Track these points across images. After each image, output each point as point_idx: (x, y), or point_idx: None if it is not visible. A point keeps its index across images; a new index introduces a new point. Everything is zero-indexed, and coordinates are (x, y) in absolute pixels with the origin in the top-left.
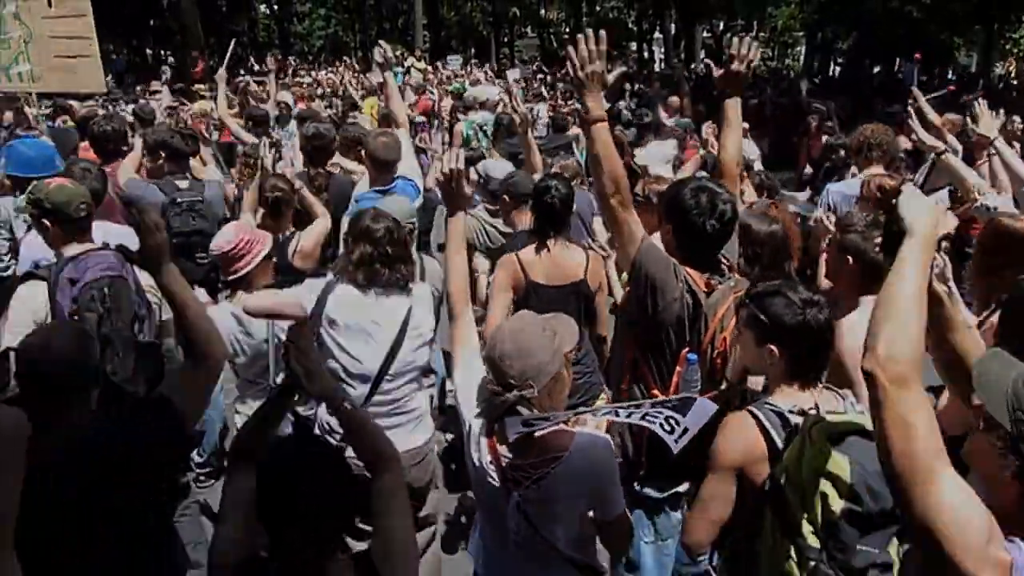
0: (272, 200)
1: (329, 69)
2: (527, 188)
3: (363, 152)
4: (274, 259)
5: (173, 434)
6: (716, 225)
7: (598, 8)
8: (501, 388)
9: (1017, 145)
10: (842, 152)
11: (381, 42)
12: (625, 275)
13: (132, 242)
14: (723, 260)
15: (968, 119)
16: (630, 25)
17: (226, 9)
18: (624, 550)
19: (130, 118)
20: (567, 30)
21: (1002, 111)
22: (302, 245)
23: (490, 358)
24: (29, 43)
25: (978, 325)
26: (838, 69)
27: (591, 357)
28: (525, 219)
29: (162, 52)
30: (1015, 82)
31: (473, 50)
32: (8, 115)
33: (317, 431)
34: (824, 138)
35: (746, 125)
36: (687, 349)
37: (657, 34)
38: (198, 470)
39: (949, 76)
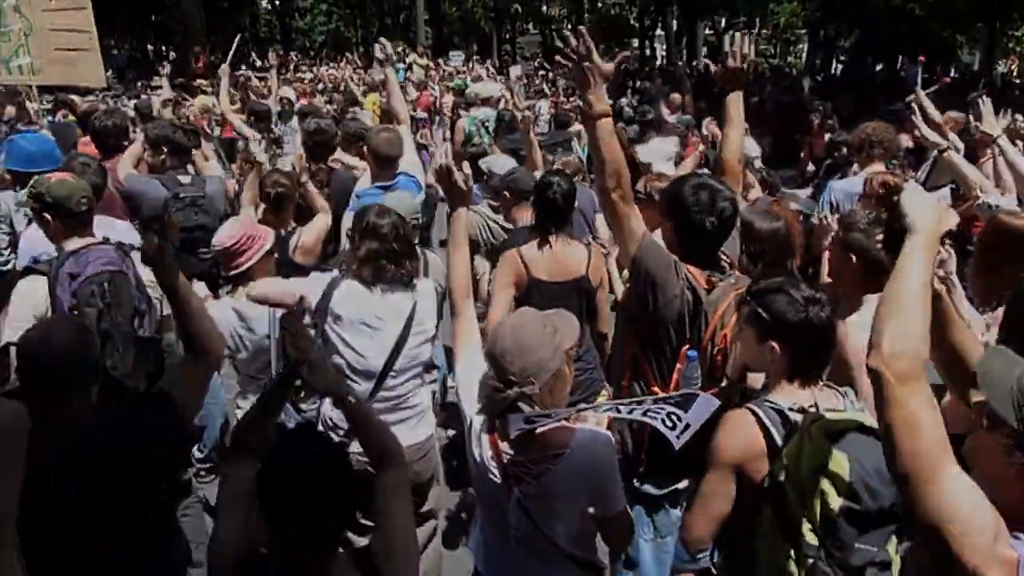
0: (274, 196)
1: (330, 65)
2: (527, 184)
3: (365, 148)
4: (275, 255)
5: (173, 429)
6: (715, 222)
7: (600, 4)
8: (502, 385)
9: (1020, 143)
10: (844, 149)
11: (382, 39)
12: (626, 272)
13: (132, 237)
14: (724, 257)
15: (971, 117)
16: (632, 22)
17: (228, 5)
18: (625, 546)
19: (131, 113)
20: (569, 26)
21: (1009, 112)
22: (303, 241)
23: (491, 354)
24: (29, 36)
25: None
26: (840, 67)
27: (592, 354)
28: (525, 215)
29: (163, 48)
30: (1017, 80)
31: (475, 46)
32: (10, 110)
33: (320, 427)
34: (827, 136)
35: (746, 125)
36: (687, 346)
37: (659, 31)
38: (199, 465)
39: (951, 74)
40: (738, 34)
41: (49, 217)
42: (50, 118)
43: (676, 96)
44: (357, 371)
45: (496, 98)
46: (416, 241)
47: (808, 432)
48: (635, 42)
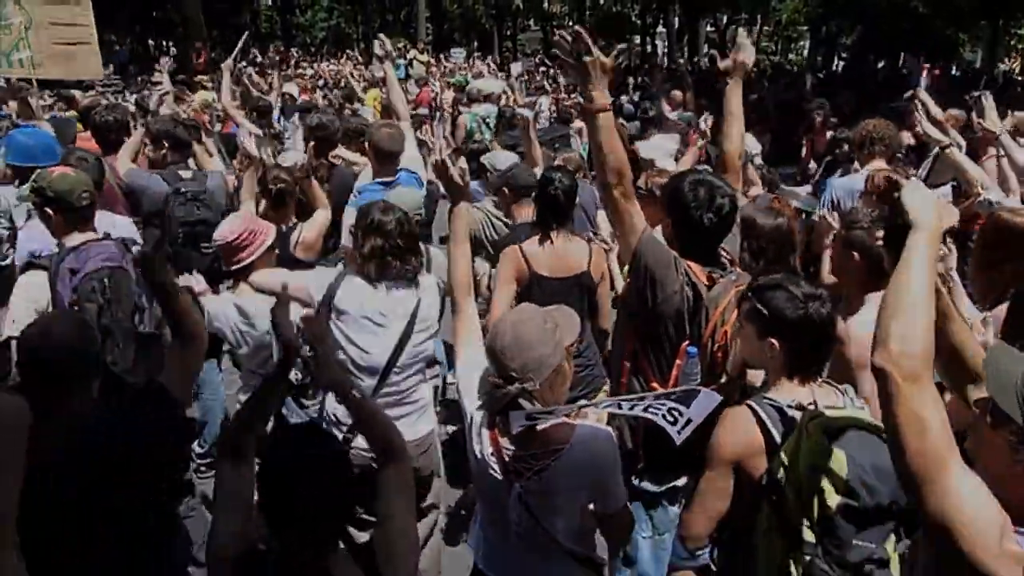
0: (275, 192)
1: (331, 61)
2: (526, 181)
3: (366, 144)
4: (276, 250)
5: (173, 427)
6: (714, 219)
7: (601, 1)
8: (502, 381)
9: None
10: (845, 147)
11: (381, 35)
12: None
13: (133, 233)
14: (724, 254)
15: (973, 114)
16: (633, 19)
17: (228, 1)
18: (625, 542)
19: (132, 108)
20: (570, 23)
21: (1015, 113)
22: (304, 237)
23: (491, 350)
24: (29, 29)
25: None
26: (842, 64)
27: (593, 350)
28: (524, 212)
29: (164, 43)
30: (1020, 78)
31: (476, 43)
32: (12, 104)
33: (324, 423)
34: (829, 133)
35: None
36: (687, 342)
37: (660, 28)
38: (199, 461)
39: (953, 72)
40: (742, 29)
41: (51, 212)
42: (53, 113)
43: (677, 93)
44: (361, 367)
45: (497, 94)
46: None
47: (806, 429)
48: (636, 39)
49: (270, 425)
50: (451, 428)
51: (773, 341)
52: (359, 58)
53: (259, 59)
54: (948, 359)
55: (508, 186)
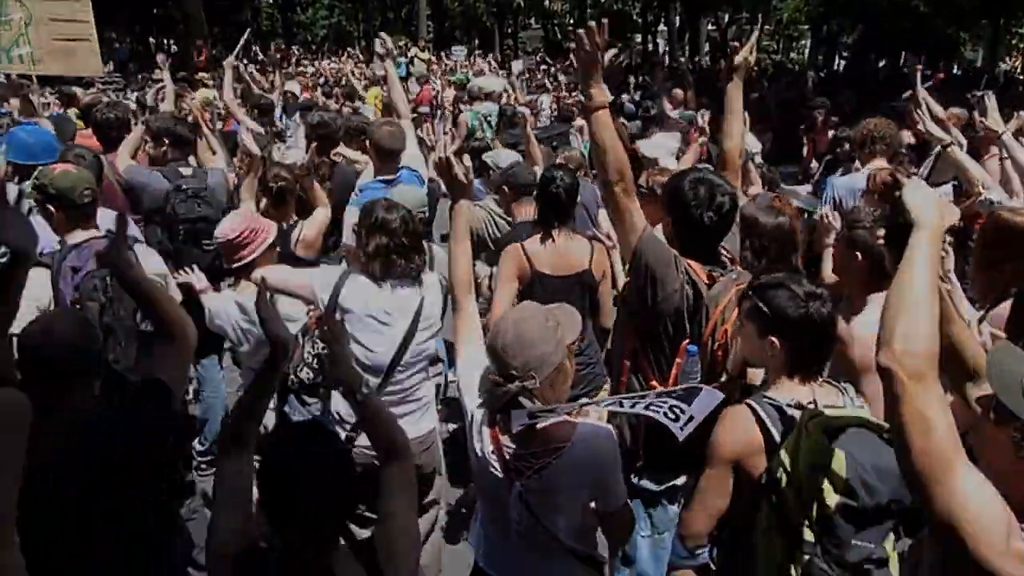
0: (276, 190)
1: (332, 59)
2: (527, 179)
3: (367, 142)
4: (278, 248)
5: (173, 422)
6: (714, 217)
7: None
8: (503, 379)
9: None
10: (847, 145)
11: (382, 33)
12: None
13: (132, 230)
14: (724, 252)
15: (975, 113)
16: (634, 17)
17: None
18: (626, 541)
19: (133, 106)
20: (571, 21)
21: (1021, 114)
22: (304, 235)
23: (492, 348)
24: (29, 25)
25: (980, 320)
26: (843, 63)
27: (594, 348)
28: (524, 211)
29: (165, 41)
30: (1021, 77)
31: (477, 41)
32: (13, 102)
33: (327, 421)
34: (830, 132)
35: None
36: (687, 341)
37: (661, 26)
38: (200, 458)
39: (954, 71)
40: (754, 31)
41: (53, 209)
42: (55, 111)
43: (679, 92)
44: (365, 366)
45: (498, 93)
46: None
47: (806, 428)
48: (638, 37)
49: (273, 423)
50: (452, 426)
51: (774, 340)
52: (360, 56)
53: (260, 57)
54: (947, 358)
55: (508, 184)
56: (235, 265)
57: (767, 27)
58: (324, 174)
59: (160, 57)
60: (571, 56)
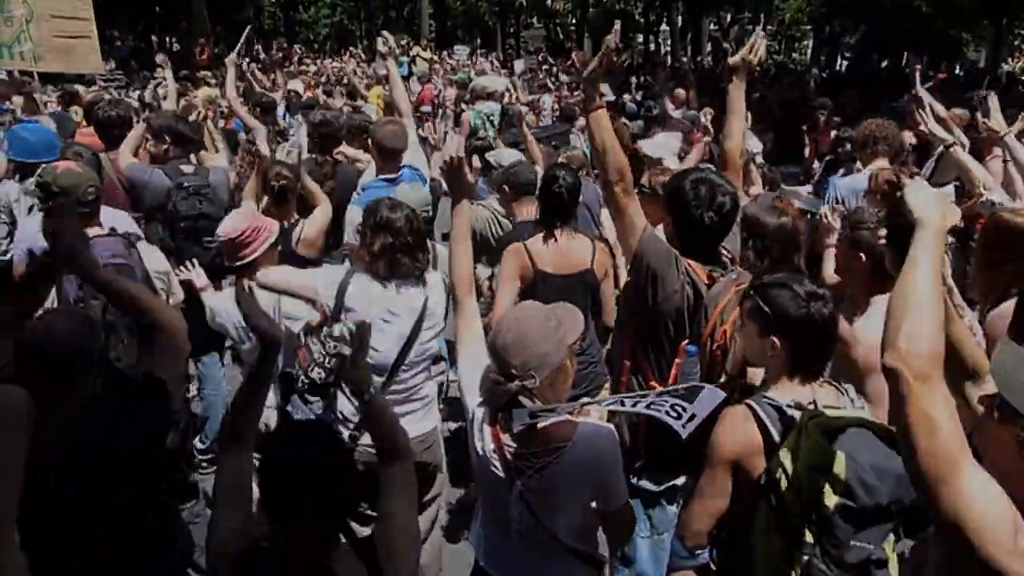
0: (277, 188)
1: (334, 58)
2: (527, 179)
3: (369, 140)
4: (279, 247)
5: (173, 419)
6: (715, 217)
7: None
8: (503, 378)
9: None
10: (848, 146)
11: (384, 32)
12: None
13: (132, 227)
14: (725, 252)
15: (978, 114)
16: (636, 17)
17: None
18: (626, 540)
19: (135, 104)
20: (573, 21)
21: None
22: (306, 233)
23: (493, 347)
24: (30, 22)
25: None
26: (845, 63)
27: (596, 347)
28: (524, 210)
29: (167, 39)
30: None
31: (479, 40)
32: (16, 99)
33: (330, 420)
34: (833, 133)
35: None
36: (686, 341)
37: (664, 26)
38: (201, 457)
39: (957, 72)
40: (760, 31)
41: None
42: (55, 108)
43: (681, 91)
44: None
45: (500, 92)
46: None
47: (805, 429)
48: (639, 37)
49: (274, 422)
50: (453, 425)
51: (775, 340)
52: (362, 55)
53: (262, 56)
54: (947, 358)
55: (509, 184)
56: (237, 264)
57: (769, 27)
58: (327, 172)
59: (160, 57)
60: (573, 55)
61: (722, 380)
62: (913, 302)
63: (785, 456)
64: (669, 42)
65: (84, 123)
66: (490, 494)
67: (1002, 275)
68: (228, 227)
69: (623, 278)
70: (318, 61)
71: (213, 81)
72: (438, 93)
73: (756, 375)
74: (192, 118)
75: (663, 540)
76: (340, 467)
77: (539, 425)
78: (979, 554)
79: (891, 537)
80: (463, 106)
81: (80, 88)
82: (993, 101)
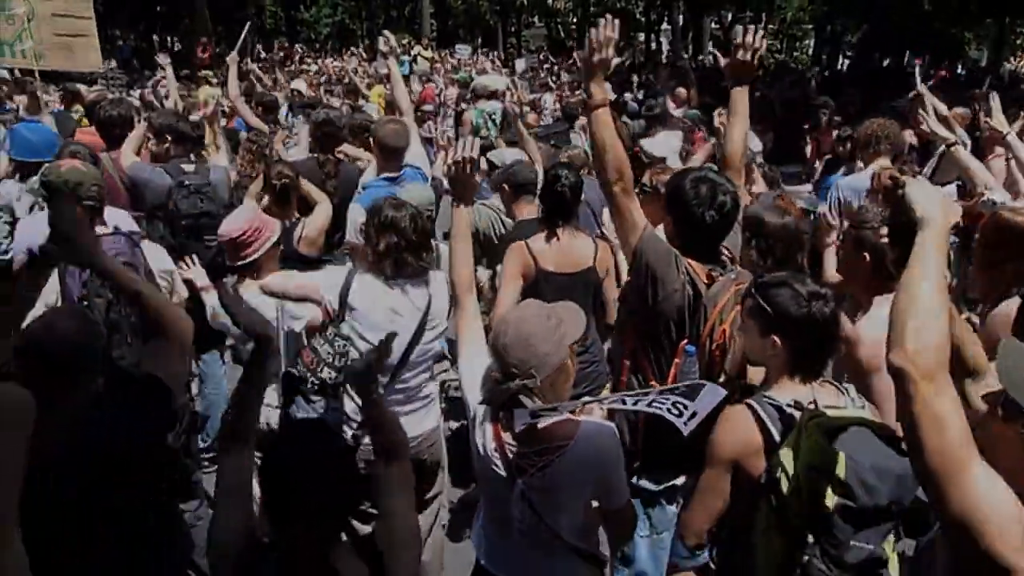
0: (279, 187)
1: (335, 57)
2: (527, 177)
3: (371, 139)
4: (281, 246)
5: (175, 418)
6: (715, 216)
7: None
8: (504, 377)
9: None
10: (848, 145)
11: (385, 32)
12: None
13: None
14: (725, 252)
15: (981, 113)
16: (638, 16)
17: None
18: (628, 539)
19: (137, 103)
20: (574, 20)
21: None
22: (307, 232)
23: (493, 346)
24: (32, 20)
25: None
26: (846, 62)
27: (598, 346)
28: (525, 210)
29: (169, 38)
30: None
31: (480, 39)
32: (20, 99)
33: (333, 419)
34: (834, 132)
35: None
36: (685, 341)
37: (665, 25)
38: (201, 455)
39: (958, 71)
40: (740, 27)
41: None
42: (58, 107)
43: (682, 90)
44: None
45: (502, 91)
46: None
47: (805, 428)
48: (640, 36)
49: (276, 421)
50: (455, 424)
51: (775, 339)
52: (363, 54)
53: (263, 55)
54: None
55: (508, 183)
56: (239, 263)
57: (771, 26)
58: (329, 172)
59: (161, 56)
60: (574, 54)
61: (721, 380)
62: (918, 301)
63: (785, 456)
64: (670, 41)
65: (86, 122)
66: (491, 493)
67: (1003, 274)
68: (231, 227)
69: (624, 277)
70: (319, 60)
71: (215, 80)
72: (439, 92)
73: (756, 375)
74: (195, 117)
75: (663, 540)
76: (343, 467)
77: (540, 424)
78: (987, 552)
79: (891, 537)
80: (464, 105)
81: (82, 87)
82: (994, 101)
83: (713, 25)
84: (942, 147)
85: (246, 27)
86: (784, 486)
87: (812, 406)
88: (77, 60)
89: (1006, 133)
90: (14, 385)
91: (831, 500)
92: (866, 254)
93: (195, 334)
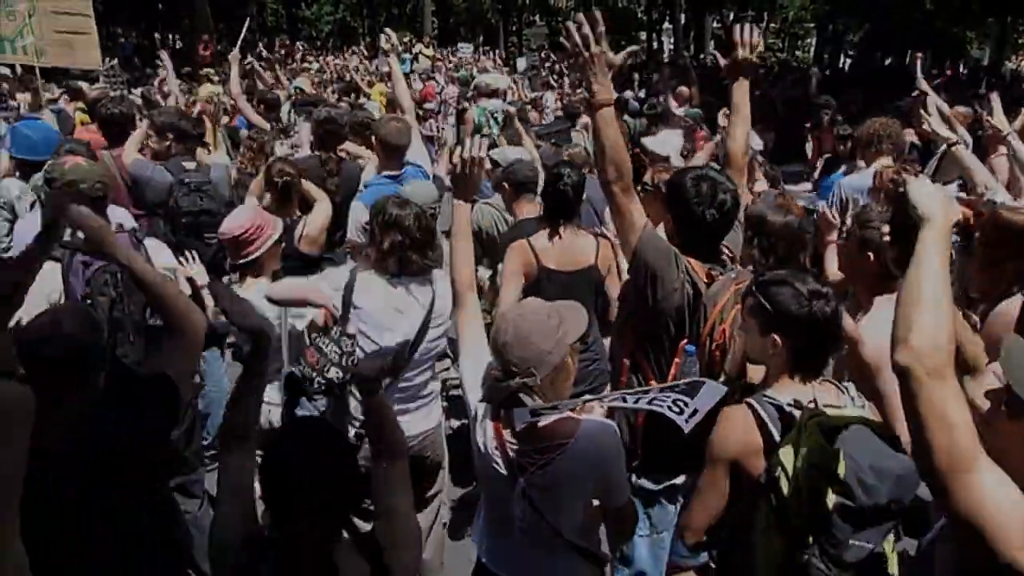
0: (281, 185)
1: (337, 55)
2: (527, 176)
3: (372, 137)
4: (283, 244)
5: (177, 417)
6: (716, 215)
7: None
8: (504, 375)
9: None
10: (848, 143)
11: (387, 30)
12: None
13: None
14: (725, 251)
15: (984, 113)
16: (640, 15)
17: None
18: (628, 537)
19: (139, 101)
20: (574, 16)
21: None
22: (307, 231)
23: (494, 344)
24: (33, 16)
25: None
26: (848, 61)
27: (599, 344)
28: (525, 208)
29: (170, 36)
30: None
31: (481, 37)
32: (26, 96)
33: (335, 418)
34: (836, 131)
35: None
36: (685, 340)
37: (667, 24)
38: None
39: (960, 70)
40: (737, 25)
41: None
42: (63, 105)
43: (684, 89)
44: None
45: (503, 90)
46: None
47: (805, 428)
48: (642, 35)
49: (278, 420)
50: (456, 422)
51: (776, 338)
52: (365, 52)
53: (264, 53)
54: None
55: (508, 181)
56: (241, 262)
57: (772, 25)
58: (332, 169)
59: (162, 53)
60: (569, 50)
61: (721, 380)
62: (922, 299)
63: (785, 455)
64: (672, 40)
65: (88, 120)
66: (492, 491)
67: (1003, 273)
68: (232, 226)
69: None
70: (321, 58)
71: (216, 78)
72: (440, 90)
73: (756, 375)
74: (196, 112)
75: (662, 539)
76: (344, 464)
77: (541, 423)
78: (992, 549)
79: (891, 536)
80: (465, 103)
81: (84, 85)
82: (996, 100)
83: (715, 24)
84: (943, 146)
85: (245, 24)
86: (784, 485)
87: (812, 405)
88: (77, 57)
89: (1006, 133)
90: (13, 383)
91: (831, 499)
92: (871, 254)
93: None
